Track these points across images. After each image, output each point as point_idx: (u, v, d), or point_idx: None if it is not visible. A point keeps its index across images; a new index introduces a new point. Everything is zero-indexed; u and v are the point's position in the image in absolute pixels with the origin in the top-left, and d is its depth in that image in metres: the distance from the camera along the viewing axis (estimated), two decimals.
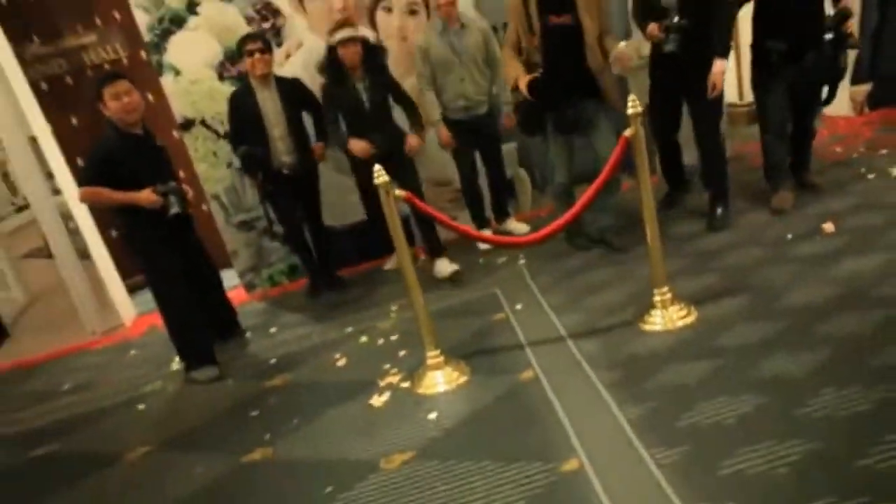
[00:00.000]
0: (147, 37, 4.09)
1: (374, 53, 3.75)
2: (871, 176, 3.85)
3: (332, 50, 3.60)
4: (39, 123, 4.42)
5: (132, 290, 4.75)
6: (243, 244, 4.44)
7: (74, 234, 4.43)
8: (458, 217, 4.48)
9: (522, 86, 3.35)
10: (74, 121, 4.98)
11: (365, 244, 4.43)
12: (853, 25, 3.44)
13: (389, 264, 4.28)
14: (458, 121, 3.92)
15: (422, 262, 4.27)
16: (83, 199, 3.28)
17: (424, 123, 3.93)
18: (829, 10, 3.44)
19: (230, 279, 4.68)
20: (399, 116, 3.97)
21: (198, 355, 3.49)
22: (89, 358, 4.31)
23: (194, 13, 4.04)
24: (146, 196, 3.15)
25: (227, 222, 4.39)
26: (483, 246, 4.11)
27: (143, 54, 4.64)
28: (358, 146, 3.70)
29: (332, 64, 3.64)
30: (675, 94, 3.63)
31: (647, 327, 2.87)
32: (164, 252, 3.32)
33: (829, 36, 3.37)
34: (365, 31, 3.97)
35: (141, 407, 3.44)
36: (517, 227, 4.29)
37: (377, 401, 2.85)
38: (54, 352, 4.52)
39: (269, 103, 3.72)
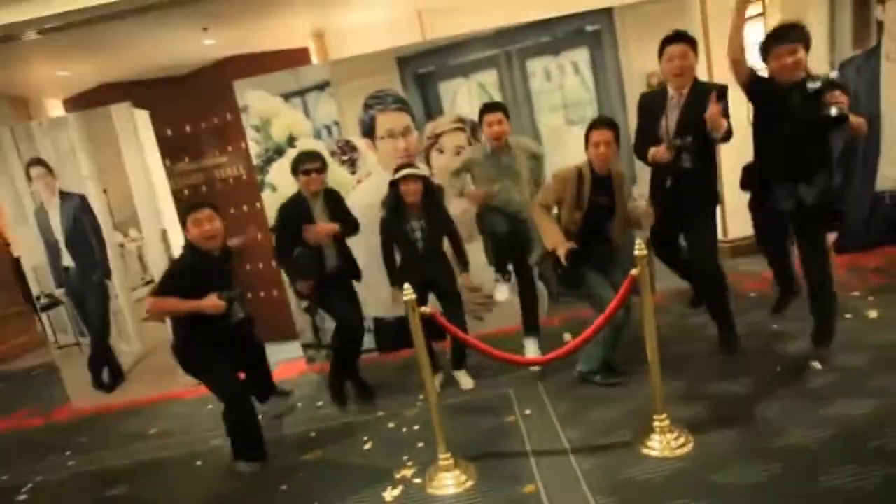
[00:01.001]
0: (255, 161, 3.92)
1: (433, 192, 3.16)
2: (847, 315, 3.17)
3: (394, 185, 3.06)
4: (172, 220, 4.26)
5: None
6: (307, 324, 4.04)
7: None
8: (485, 318, 4.00)
9: (562, 255, 2.72)
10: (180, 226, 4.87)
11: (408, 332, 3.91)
12: (838, 99, 2.34)
13: (437, 381, 3.20)
14: (496, 208, 3.17)
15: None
16: (150, 309, 2.67)
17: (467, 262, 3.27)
18: None
19: (295, 350, 4.29)
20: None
21: (248, 451, 2.81)
22: (179, 407, 3.91)
23: (292, 146, 3.85)
24: (212, 303, 2.59)
25: (298, 306, 4.02)
26: (534, 368, 3.21)
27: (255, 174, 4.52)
28: (397, 298, 3.03)
29: (393, 198, 3.08)
30: (673, 224, 2.91)
31: (645, 451, 2.26)
32: (218, 359, 2.71)
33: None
34: (426, 171, 3.54)
35: (199, 463, 2.97)
36: (531, 348, 3.38)
37: (389, 494, 2.30)
38: (154, 397, 4.15)
39: (320, 214, 3.14)
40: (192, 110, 4.95)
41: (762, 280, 3.30)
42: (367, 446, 2.77)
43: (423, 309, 2.26)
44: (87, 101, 4.87)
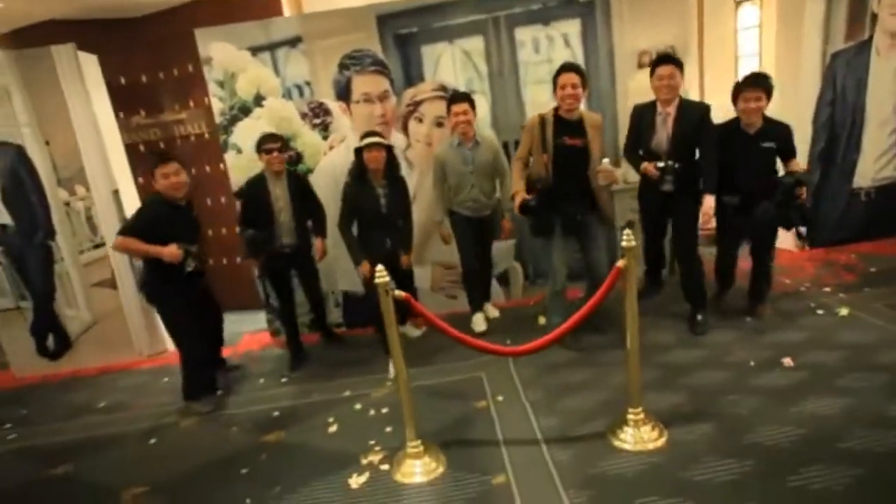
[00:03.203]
0: (218, 120, 3.65)
1: (396, 161, 3.22)
2: (819, 311, 3.21)
3: (358, 153, 3.08)
4: (124, 179, 3.97)
5: None
6: (274, 295, 3.87)
7: (136, 269, 3.90)
8: (459, 296, 3.92)
9: (516, 203, 2.96)
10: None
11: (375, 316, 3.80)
12: (804, 193, 2.91)
13: (480, 327, 3.51)
14: (466, 217, 3.37)
15: (423, 331, 3.68)
16: (116, 247, 2.86)
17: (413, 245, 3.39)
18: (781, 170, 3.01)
19: (259, 322, 4.13)
20: None
21: (202, 389, 3.10)
22: (130, 378, 3.72)
23: (260, 105, 3.61)
24: (170, 251, 2.79)
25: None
26: (479, 328, 3.48)
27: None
28: (364, 270, 3.14)
29: (357, 166, 3.12)
30: (661, 217, 3.26)
31: (618, 444, 2.23)
32: (180, 300, 2.93)
33: (779, 193, 2.89)
34: (392, 141, 3.47)
35: (153, 441, 2.83)
36: (491, 310, 3.69)
37: (355, 481, 2.22)
38: (104, 367, 3.94)
39: (280, 194, 3.20)
40: (150, 58, 4.57)
41: (739, 272, 3.34)
42: (333, 428, 2.67)
43: (397, 292, 2.14)
44: (27, 39, 4.41)
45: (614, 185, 3.14)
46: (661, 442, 2.21)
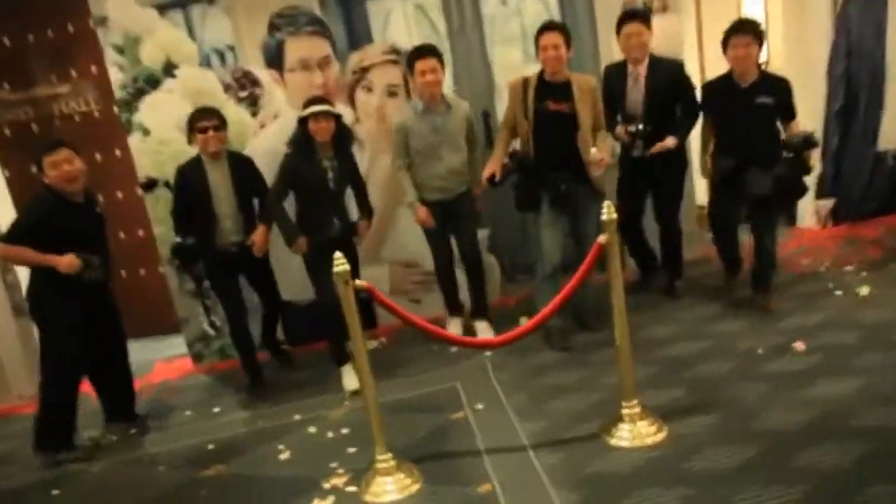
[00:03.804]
0: (119, 94, 3.93)
1: (345, 133, 3.52)
2: (838, 292, 3.76)
3: (303, 122, 3.34)
4: None
5: None
6: (195, 312, 4.15)
7: (12, 288, 4.10)
8: (424, 300, 4.30)
9: (483, 177, 3.49)
10: (34, 169, 4.72)
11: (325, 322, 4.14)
12: (813, 156, 3.48)
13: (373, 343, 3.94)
14: (434, 202, 3.69)
15: (381, 343, 4.03)
16: (0, 255, 3.12)
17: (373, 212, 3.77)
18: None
19: (177, 347, 4.39)
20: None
21: (59, 439, 3.26)
22: (12, 425, 3.91)
23: (171, 76, 3.90)
24: (67, 261, 3.01)
25: (181, 288, 4.12)
26: (452, 349, 3.75)
27: (115, 110, 4.47)
28: (300, 248, 3.44)
29: (301, 136, 3.38)
30: (641, 186, 3.84)
31: (614, 442, 2.66)
32: (69, 316, 3.14)
33: (787, 155, 3.40)
34: (340, 109, 3.81)
35: (55, 492, 3.06)
36: (483, 330, 3.87)
37: None
38: None
39: (220, 180, 3.47)
40: (14, 17, 4.73)
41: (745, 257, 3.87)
42: (284, 455, 2.99)
43: (359, 282, 2.50)
44: None
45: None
46: (660, 436, 2.64)
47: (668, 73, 3.62)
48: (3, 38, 4.78)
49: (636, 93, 3.64)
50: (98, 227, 3.28)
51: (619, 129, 3.63)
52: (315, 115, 3.30)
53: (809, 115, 3.65)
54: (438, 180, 3.64)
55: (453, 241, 3.88)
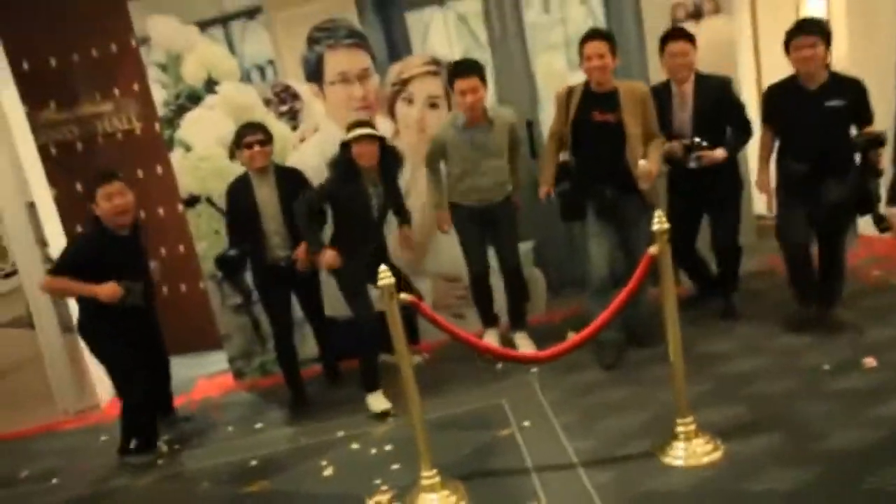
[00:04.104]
0: (161, 111, 4.14)
1: (391, 157, 3.60)
2: None
3: (345, 147, 3.41)
4: (41, 189, 4.41)
5: None
6: (237, 328, 4.31)
7: (59, 304, 4.31)
8: (467, 315, 4.36)
9: (542, 194, 3.62)
10: (79, 187, 4.99)
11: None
12: (883, 155, 3.36)
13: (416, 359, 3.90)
14: (471, 207, 3.74)
15: (423, 358, 4.10)
16: (45, 288, 3.37)
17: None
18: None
19: (218, 363, 4.55)
20: None
21: (139, 441, 3.55)
22: (56, 441, 4.11)
23: (212, 92, 4.09)
24: (109, 290, 3.21)
25: (223, 304, 4.28)
26: (498, 365, 3.81)
27: (157, 127, 4.70)
28: (328, 258, 3.48)
29: (344, 161, 3.45)
30: (695, 204, 3.81)
31: (668, 461, 2.67)
32: (118, 339, 3.40)
33: (856, 160, 3.35)
34: (380, 122, 3.93)
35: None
36: (524, 343, 3.91)
37: None
38: (21, 431, 4.32)
39: (267, 196, 3.62)
40: (59, 36, 5.00)
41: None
42: (328, 472, 3.09)
43: (404, 296, 2.60)
44: None
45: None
46: (716, 455, 2.65)
47: (715, 92, 3.61)
48: (50, 59, 5.08)
49: (683, 114, 3.64)
50: (141, 257, 3.51)
51: (672, 145, 3.59)
52: (358, 138, 3.35)
53: (879, 117, 3.55)
54: (476, 193, 3.72)
55: (491, 251, 3.93)
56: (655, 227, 2.60)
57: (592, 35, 3.41)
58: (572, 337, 3.73)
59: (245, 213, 3.62)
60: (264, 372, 4.36)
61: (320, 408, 3.79)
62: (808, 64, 3.28)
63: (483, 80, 3.53)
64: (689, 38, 3.54)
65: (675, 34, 3.58)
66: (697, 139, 3.54)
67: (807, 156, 3.38)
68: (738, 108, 3.70)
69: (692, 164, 3.56)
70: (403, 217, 3.82)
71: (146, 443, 3.54)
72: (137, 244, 3.46)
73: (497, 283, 4.03)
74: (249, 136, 3.54)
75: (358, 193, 3.48)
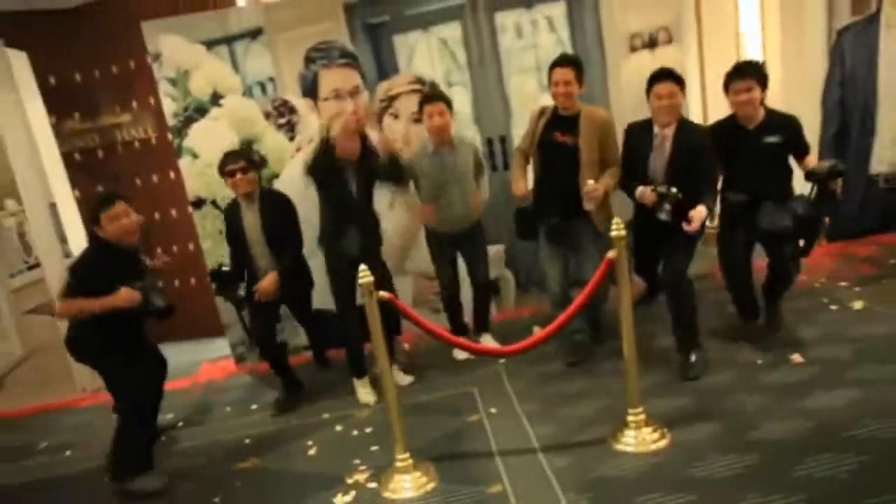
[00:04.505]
0: (171, 122, 3.96)
1: (370, 150, 3.29)
2: (833, 307, 3.59)
3: (327, 141, 3.13)
4: (63, 190, 4.23)
5: None
6: (237, 318, 4.13)
7: None
8: (442, 312, 4.21)
9: (516, 192, 3.30)
10: (100, 188, 4.82)
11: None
12: (838, 185, 3.12)
13: (462, 355, 3.67)
14: (444, 234, 3.55)
15: (406, 349, 3.96)
16: (61, 315, 2.87)
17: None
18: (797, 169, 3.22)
19: (222, 349, 4.38)
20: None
21: (138, 463, 2.91)
22: (72, 417, 3.94)
23: (218, 105, 3.92)
24: (126, 296, 2.73)
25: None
26: (461, 356, 3.65)
27: (170, 136, 4.53)
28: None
29: (325, 153, 3.14)
30: (655, 242, 3.22)
31: (620, 447, 2.55)
32: (126, 356, 2.91)
33: (812, 189, 3.10)
34: (369, 134, 3.75)
35: (108, 479, 3.04)
36: (489, 342, 3.74)
37: (341, 501, 2.50)
38: (40, 406, 4.14)
39: (252, 221, 3.32)
40: (84, 54, 4.84)
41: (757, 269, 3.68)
42: (312, 451, 2.94)
43: (382, 293, 2.44)
44: None
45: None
46: (663, 443, 2.53)
47: (694, 140, 3.07)
48: (74, 74, 4.89)
49: (659, 157, 3.11)
50: (138, 269, 2.97)
51: (644, 190, 3.04)
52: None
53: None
54: (448, 224, 3.51)
55: (462, 267, 3.73)
56: (613, 233, 2.46)
57: (561, 62, 3.17)
58: (538, 332, 3.63)
59: (234, 237, 3.37)
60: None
61: (309, 391, 3.63)
62: (744, 108, 3.07)
63: (450, 106, 3.39)
64: (678, 80, 3.03)
65: (663, 75, 3.04)
66: (674, 189, 2.96)
67: (747, 187, 3.16)
68: (710, 159, 3.13)
69: (662, 216, 2.98)
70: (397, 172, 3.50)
71: (144, 463, 2.93)
72: (137, 258, 3.01)
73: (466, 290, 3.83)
74: (231, 164, 3.24)
75: (337, 170, 3.17)
